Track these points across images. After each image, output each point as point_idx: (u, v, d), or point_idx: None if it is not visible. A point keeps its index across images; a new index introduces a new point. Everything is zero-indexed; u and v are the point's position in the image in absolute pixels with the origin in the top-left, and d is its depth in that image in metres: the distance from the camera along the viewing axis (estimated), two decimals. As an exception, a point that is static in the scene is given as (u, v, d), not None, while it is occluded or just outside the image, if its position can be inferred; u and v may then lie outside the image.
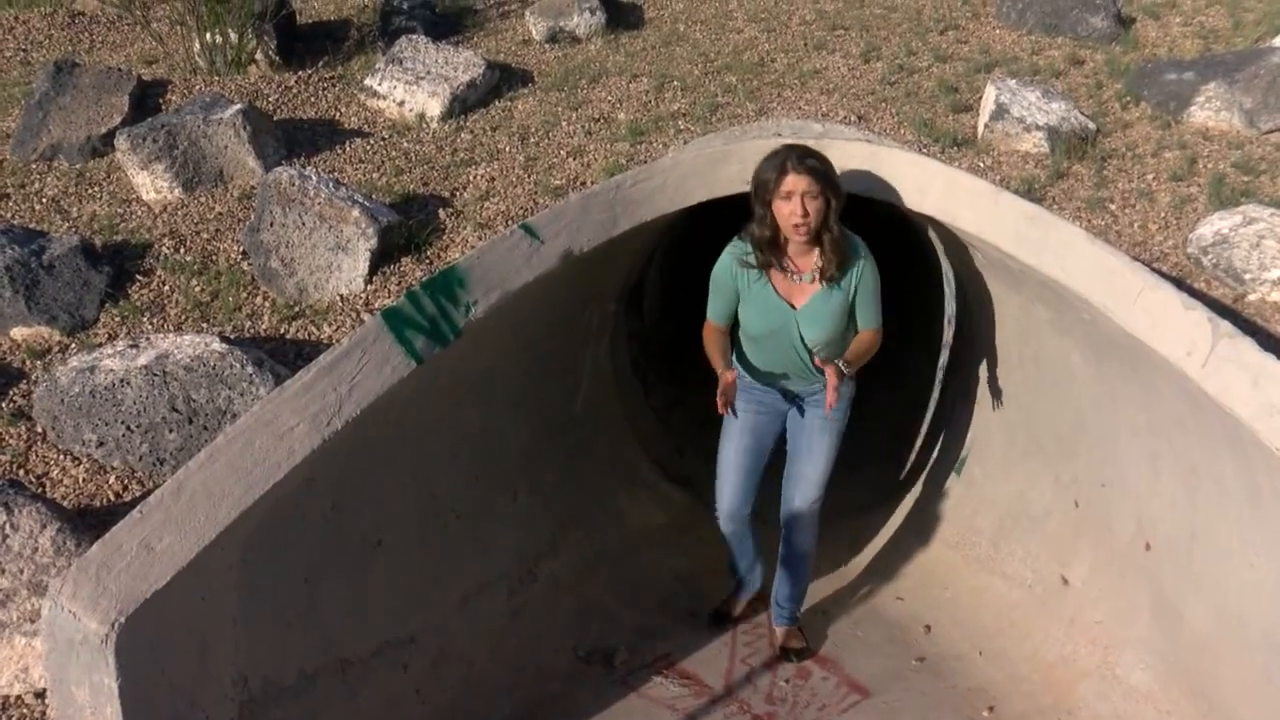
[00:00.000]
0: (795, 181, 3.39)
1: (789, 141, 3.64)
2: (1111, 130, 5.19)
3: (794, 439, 3.91)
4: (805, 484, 3.86)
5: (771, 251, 3.56)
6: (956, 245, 4.24)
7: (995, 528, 4.41)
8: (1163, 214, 4.50)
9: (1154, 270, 3.50)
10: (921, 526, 4.76)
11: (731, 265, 3.62)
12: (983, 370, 4.60)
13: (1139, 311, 3.21)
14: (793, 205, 3.39)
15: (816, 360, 3.60)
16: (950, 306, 5.07)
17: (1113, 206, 4.56)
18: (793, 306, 3.59)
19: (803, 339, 3.61)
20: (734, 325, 3.75)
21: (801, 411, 3.87)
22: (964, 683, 3.92)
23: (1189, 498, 3.36)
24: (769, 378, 3.76)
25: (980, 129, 5.18)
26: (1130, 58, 5.89)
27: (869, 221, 5.05)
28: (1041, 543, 4.14)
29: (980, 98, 5.41)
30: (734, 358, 3.78)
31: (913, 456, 5.35)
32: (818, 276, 3.57)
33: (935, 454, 5.11)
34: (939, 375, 5.27)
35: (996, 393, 4.54)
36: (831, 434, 3.82)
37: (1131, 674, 3.53)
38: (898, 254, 6.01)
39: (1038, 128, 5.01)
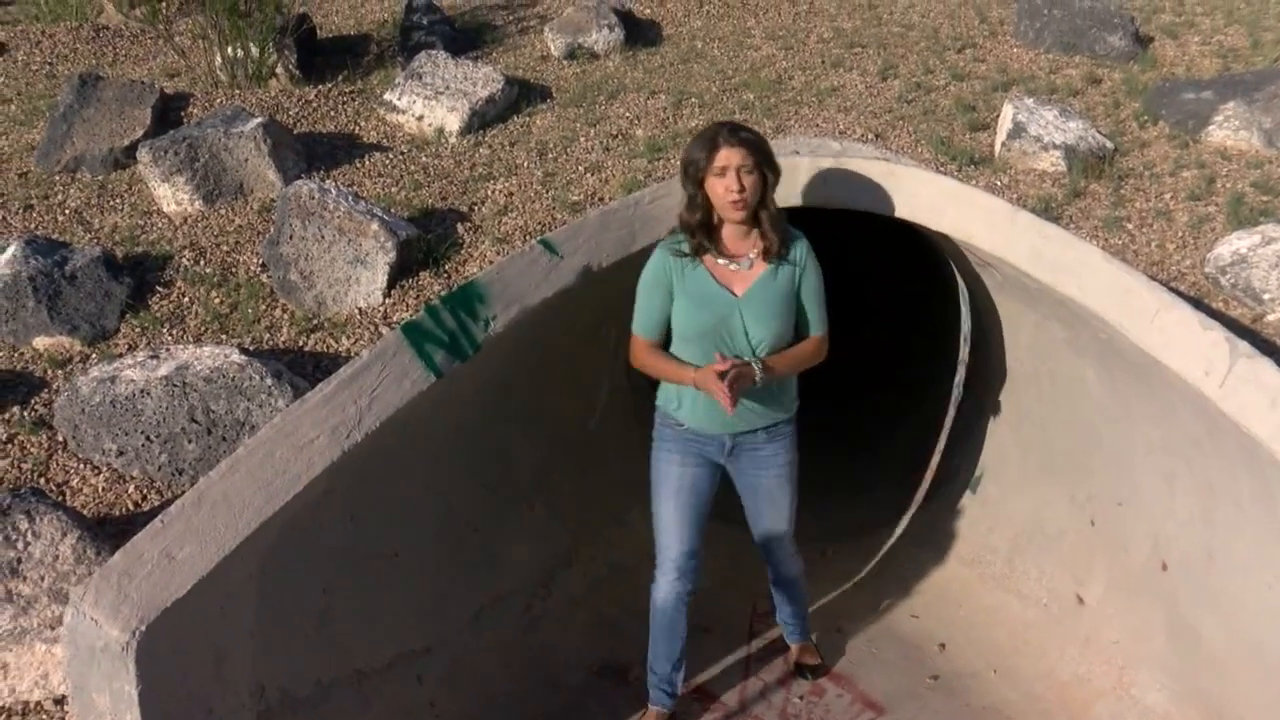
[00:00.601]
0: (729, 155, 3.14)
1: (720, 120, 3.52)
2: (1129, 149, 5.19)
3: (750, 499, 3.65)
4: (775, 531, 3.66)
5: (705, 235, 3.29)
6: (972, 263, 4.25)
7: (1010, 546, 4.40)
8: (1180, 233, 4.50)
9: (1171, 290, 3.51)
10: (936, 544, 4.76)
11: (664, 259, 3.32)
12: (998, 388, 4.60)
13: (1156, 331, 3.22)
14: (727, 181, 3.15)
15: (717, 361, 3.18)
16: (966, 324, 5.08)
17: (1130, 226, 4.56)
18: (734, 295, 3.29)
19: (747, 335, 3.28)
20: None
21: (748, 469, 3.55)
22: (978, 701, 3.91)
23: (1206, 517, 3.35)
24: (706, 412, 3.38)
25: (997, 147, 5.18)
26: (1148, 77, 5.90)
27: (884, 238, 5.06)
28: (1057, 561, 4.13)
29: (997, 116, 5.42)
30: (667, 388, 3.49)
31: (928, 474, 5.35)
32: (759, 258, 3.30)
33: (950, 471, 5.11)
34: (955, 393, 5.27)
35: (1012, 411, 4.54)
36: (790, 482, 3.59)
37: (1148, 694, 3.52)
38: (913, 271, 6.03)
39: (1055, 146, 5.02)
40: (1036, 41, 6.42)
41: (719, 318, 3.27)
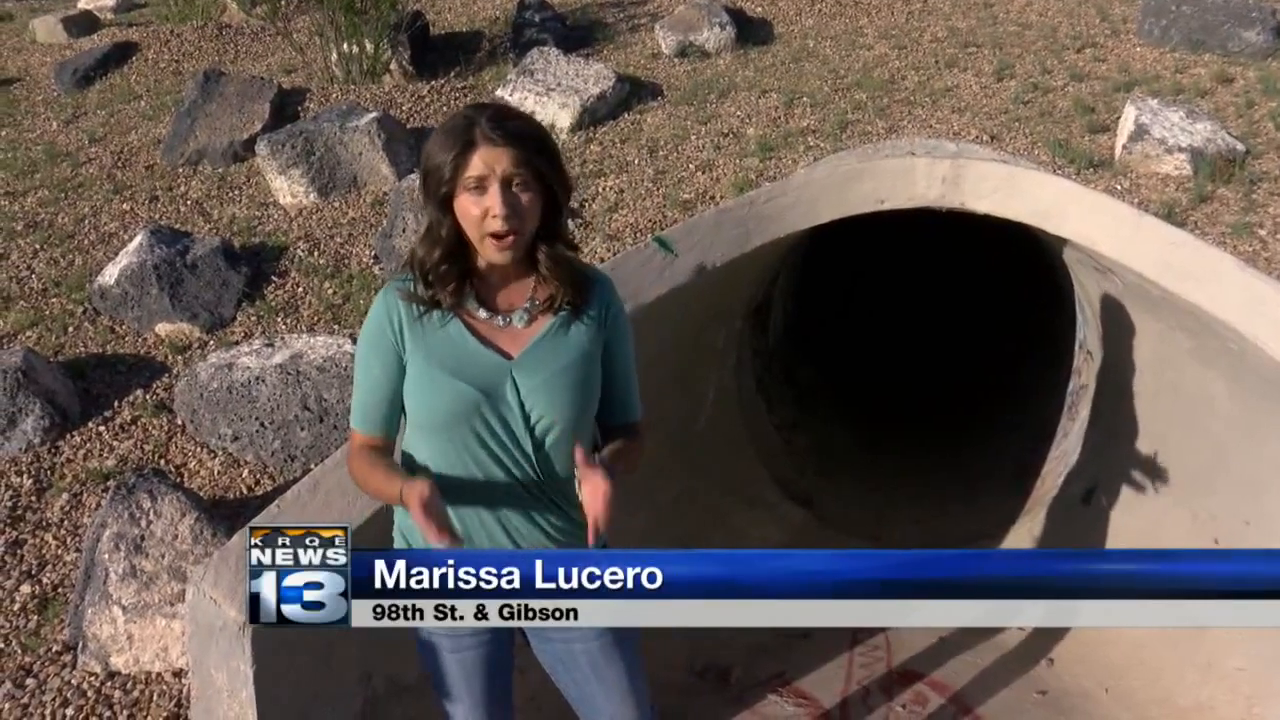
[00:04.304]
0: (490, 157, 1.98)
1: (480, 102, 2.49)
2: (1263, 152, 4.99)
3: (566, 680, 2.48)
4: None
5: (450, 286, 2.10)
6: (1091, 269, 4.12)
7: (1125, 562, 4.25)
8: (1318, 241, 4.31)
9: (1310, 300, 3.35)
10: (1046, 557, 4.62)
11: (389, 305, 2.14)
12: (1115, 398, 4.45)
13: (1296, 343, 3.08)
14: (488, 200, 1.99)
15: (578, 460, 2.02)
16: (1082, 332, 4.93)
17: (1262, 232, 4.38)
18: (506, 356, 2.13)
19: (526, 417, 2.13)
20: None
21: (549, 632, 2.37)
22: (1089, 721, 3.79)
23: (1344, 540, 3.20)
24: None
25: (1118, 150, 5.03)
26: (1285, 76, 5.67)
27: (996, 241, 4.94)
28: (1176, 580, 3.97)
29: (1119, 118, 5.26)
30: (398, 522, 2.34)
31: (1038, 485, 5.21)
32: (540, 310, 2.15)
33: (1061, 483, 4.96)
34: (1068, 402, 5.13)
35: (1130, 422, 4.38)
36: (625, 645, 2.47)
37: (1280, 727, 3.37)
38: (1027, 276, 5.88)
39: (1180, 149, 4.85)
40: (1162, 39, 6.21)
41: (483, 390, 2.10)
